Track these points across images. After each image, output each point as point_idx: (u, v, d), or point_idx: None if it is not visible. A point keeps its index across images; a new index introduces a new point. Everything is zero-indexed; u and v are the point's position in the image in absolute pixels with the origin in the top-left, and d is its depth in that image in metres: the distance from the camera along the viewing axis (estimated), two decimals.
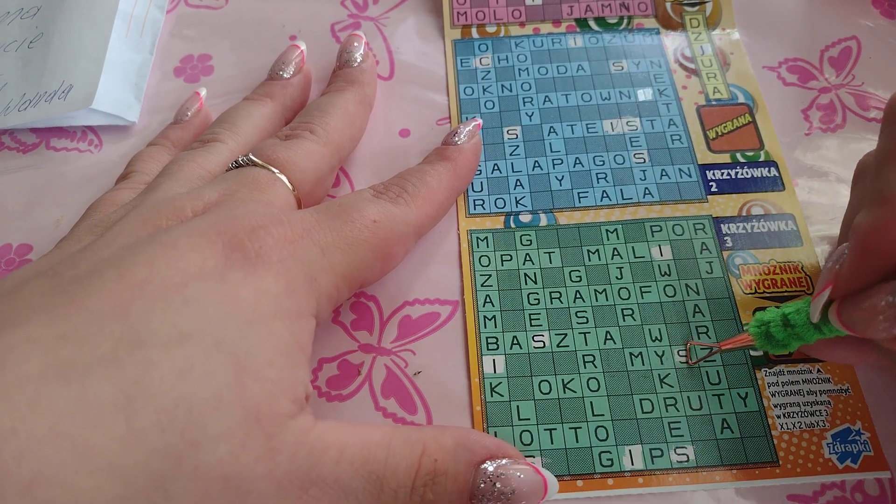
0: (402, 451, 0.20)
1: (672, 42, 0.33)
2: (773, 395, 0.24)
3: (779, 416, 0.24)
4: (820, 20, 0.34)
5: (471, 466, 0.20)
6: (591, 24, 0.34)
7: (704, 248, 0.27)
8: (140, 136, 0.32)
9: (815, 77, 0.32)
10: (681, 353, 0.25)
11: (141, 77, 0.34)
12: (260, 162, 0.25)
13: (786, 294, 0.26)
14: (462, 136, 0.28)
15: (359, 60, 0.31)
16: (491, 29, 0.34)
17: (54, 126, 0.33)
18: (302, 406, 0.20)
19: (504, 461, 0.21)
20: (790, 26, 0.34)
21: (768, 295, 0.26)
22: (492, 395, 0.25)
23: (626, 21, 0.34)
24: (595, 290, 0.27)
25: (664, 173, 0.29)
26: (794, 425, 0.24)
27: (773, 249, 0.27)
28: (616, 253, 0.27)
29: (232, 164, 0.26)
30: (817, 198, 0.28)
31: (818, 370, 0.25)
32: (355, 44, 0.32)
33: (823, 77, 0.32)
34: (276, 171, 0.25)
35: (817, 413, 0.24)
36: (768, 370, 0.25)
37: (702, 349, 0.25)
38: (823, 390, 0.24)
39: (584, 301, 0.26)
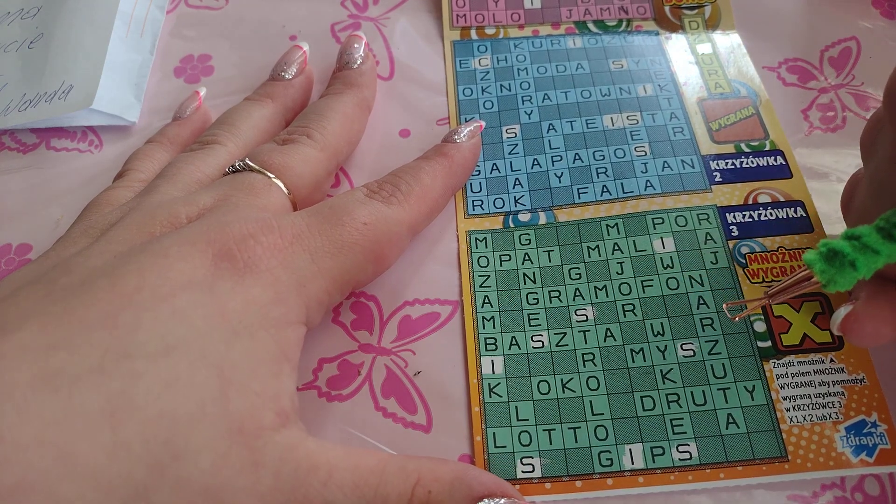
0: (395, 479, 0.20)
1: (672, 44, 0.33)
2: (781, 387, 0.24)
3: (788, 410, 0.23)
4: (820, 20, 0.34)
5: (467, 502, 0.20)
6: (591, 26, 0.34)
7: (709, 238, 0.27)
8: (140, 136, 0.32)
9: (815, 77, 0.32)
10: (720, 312, 0.25)
11: (141, 77, 0.34)
12: (256, 167, 0.25)
13: None
14: (462, 135, 0.28)
15: (358, 62, 0.31)
16: (490, 31, 0.34)
17: (54, 126, 0.33)
18: (287, 418, 0.20)
19: (503, 501, 0.20)
20: (790, 27, 0.34)
21: (777, 283, 0.26)
22: (490, 396, 0.24)
23: (624, 24, 0.34)
24: (595, 287, 0.26)
25: (666, 165, 0.29)
26: (804, 418, 0.23)
27: (782, 237, 0.27)
28: (616, 248, 0.27)
29: (228, 169, 0.26)
30: (817, 198, 0.28)
31: (831, 359, 0.24)
32: (355, 45, 0.32)
33: (823, 77, 0.32)
34: (271, 175, 0.25)
35: (830, 405, 0.23)
36: (777, 361, 0.24)
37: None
38: (837, 381, 0.23)
39: (583, 299, 0.26)
